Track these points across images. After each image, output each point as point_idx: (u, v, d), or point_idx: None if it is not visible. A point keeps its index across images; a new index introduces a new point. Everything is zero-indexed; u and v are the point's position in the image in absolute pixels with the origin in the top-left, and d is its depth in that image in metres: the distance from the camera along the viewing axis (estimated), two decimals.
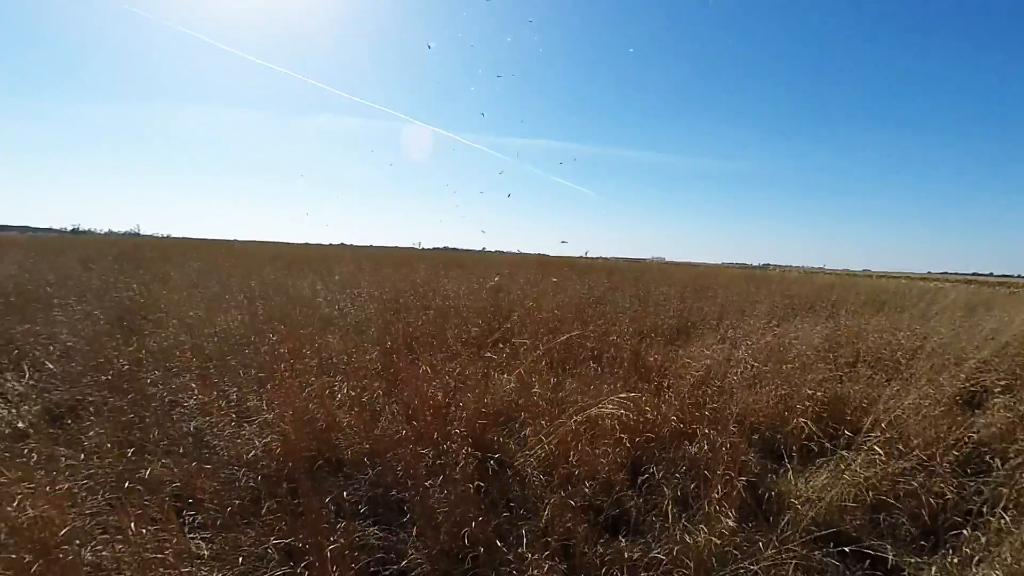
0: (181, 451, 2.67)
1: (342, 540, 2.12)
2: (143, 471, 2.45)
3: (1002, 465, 2.91)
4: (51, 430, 2.89)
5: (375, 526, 2.39)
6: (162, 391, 3.49)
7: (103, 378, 3.60)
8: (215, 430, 3.00)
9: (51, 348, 4.19)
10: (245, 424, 3.11)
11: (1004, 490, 2.66)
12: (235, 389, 3.66)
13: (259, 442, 2.85)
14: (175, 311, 5.65)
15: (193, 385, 3.65)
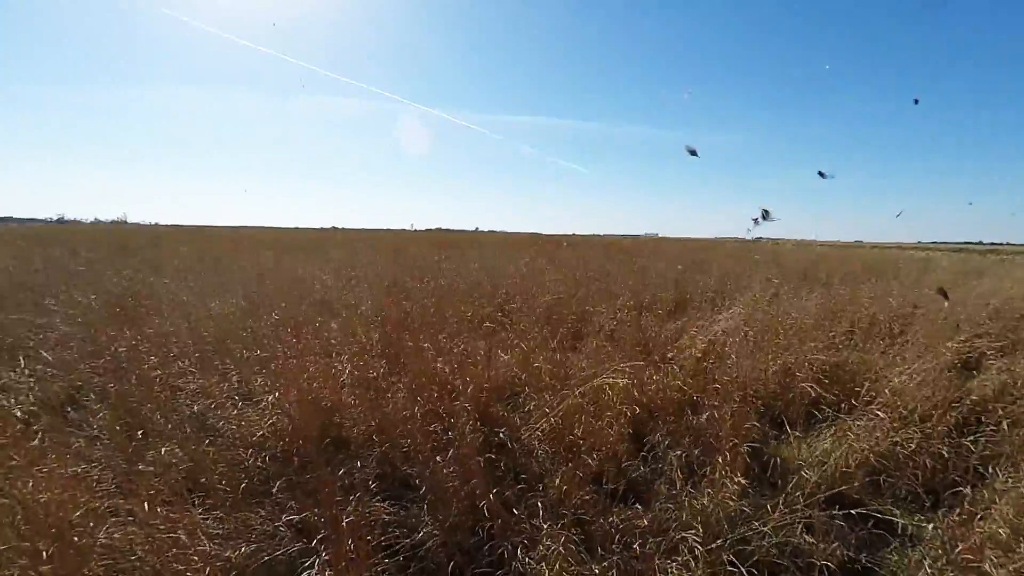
0: (188, 432, 2.66)
1: (355, 515, 2.13)
2: (151, 454, 2.45)
3: (999, 424, 2.96)
4: (54, 417, 2.87)
5: (386, 502, 2.41)
6: (163, 376, 3.46)
7: (102, 364, 3.57)
8: (219, 412, 2.99)
9: (47, 337, 4.14)
10: (249, 407, 3.11)
11: (1003, 447, 2.71)
12: (236, 372, 3.65)
13: (264, 423, 2.85)
14: (170, 297, 5.60)
15: (193, 369, 3.63)
